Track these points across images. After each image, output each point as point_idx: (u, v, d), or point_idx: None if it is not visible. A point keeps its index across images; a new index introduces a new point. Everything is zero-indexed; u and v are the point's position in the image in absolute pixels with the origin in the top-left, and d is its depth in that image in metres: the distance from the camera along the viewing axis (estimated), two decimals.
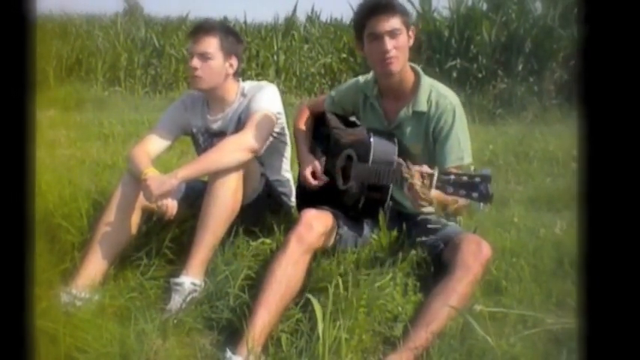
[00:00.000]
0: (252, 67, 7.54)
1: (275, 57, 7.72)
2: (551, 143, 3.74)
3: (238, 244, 1.97)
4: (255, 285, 1.74)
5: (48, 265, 1.84)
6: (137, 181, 1.89)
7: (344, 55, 7.54)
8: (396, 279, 1.73)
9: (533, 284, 1.76)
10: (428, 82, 1.85)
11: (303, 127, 2.14)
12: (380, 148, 1.77)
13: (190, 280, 1.80)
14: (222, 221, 1.86)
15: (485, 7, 6.54)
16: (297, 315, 1.64)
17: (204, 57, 2.01)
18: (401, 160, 1.49)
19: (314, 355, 1.43)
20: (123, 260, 1.95)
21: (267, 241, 2.03)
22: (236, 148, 1.89)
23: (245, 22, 8.59)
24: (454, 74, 6.16)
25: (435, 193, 1.42)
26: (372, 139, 1.78)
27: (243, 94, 2.11)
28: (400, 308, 1.65)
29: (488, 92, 5.78)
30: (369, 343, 1.58)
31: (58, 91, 6.28)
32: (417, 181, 1.41)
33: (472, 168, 1.50)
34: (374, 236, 1.88)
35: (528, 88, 5.68)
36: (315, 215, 1.75)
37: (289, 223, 2.04)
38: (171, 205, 1.85)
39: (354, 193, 1.83)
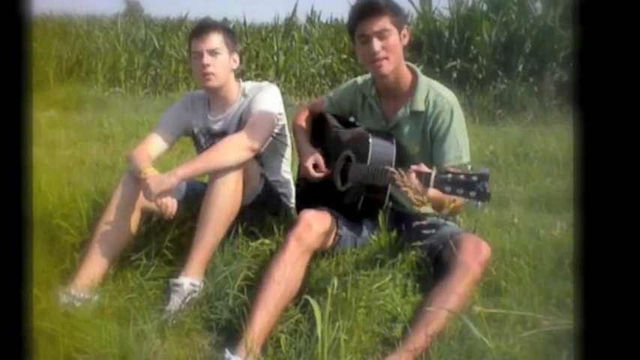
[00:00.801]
0: (251, 68, 7.53)
1: (275, 58, 7.72)
2: (551, 144, 3.74)
3: (238, 244, 1.97)
4: (255, 285, 1.74)
5: (47, 265, 1.84)
6: (137, 181, 1.89)
7: (344, 56, 7.53)
8: (395, 280, 1.73)
9: (532, 285, 1.76)
10: (425, 82, 1.85)
11: (302, 124, 2.14)
12: (378, 148, 1.77)
13: (189, 280, 1.80)
14: (221, 222, 1.86)
15: (485, 7, 6.54)
16: (296, 316, 1.64)
17: (214, 53, 2.02)
18: (393, 169, 1.49)
19: (313, 356, 1.43)
20: (122, 261, 1.95)
21: (267, 241, 2.02)
22: (236, 148, 1.89)
23: (245, 23, 8.59)
24: (454, 75, 6.16)
25: (432, 192, 1.43)
26: (370, 140, 1.78)
27: (244, 95, 2.11)
28: (399, 309, 1.65)
29: (489, 93, 5.78)
30: (368, 344, 1.58)
31: (58, 91, 6.29)
32: (409, 189, 1.40)
33: (470, 167, 1.49)
34: (373, 237, 1.88)
35: (528, 88, 5.68)
36: (314, 216, 1.74)
37: (289, 223, 2.03)
38: (170, 204, 1.85)
39: (353, 194, 1.83)
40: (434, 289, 1.61)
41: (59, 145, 3.96)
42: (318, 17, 9.33)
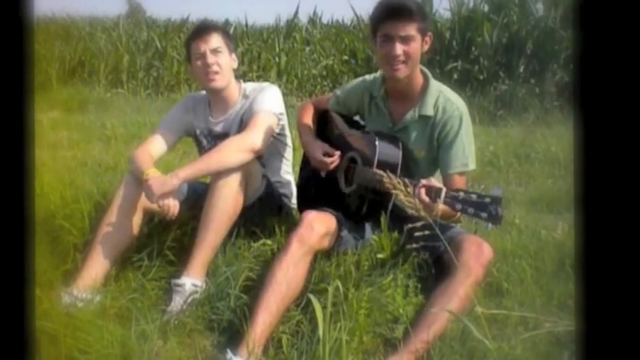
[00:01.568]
0: (253, 70, 7.53)
1: (276, 59, 7.72)
2: (552, 145, 3.73)
3: (239, 245, 1.97)
4: (256, 286, 1.74)
5: (49, 266, 1.85)
6: (139, 182, 1.89)
7: (345, 57, 7.53)
8: (397, 280, 1.73)
9: (534, 286, 1.76)
10: (436, 87, 1.84)
11: (307, 120, 2.11)
12: (384, 152, 1.76)
13: (191, 281, 1.80)
14: (223, 222, 1.86)
15: (486, 8, 6.54)
16: (298, 316, 1.65)
17: (216, 52, 2.03)
18: (381, 172, 1.45)
19: (315, 357, 1.43)
20: (124, 261, 1.95)
21: (269, 242, 2.03)
22: (238, 149, 1.89)
23: (246, 25, 8.60)
24: (455, 76, 6.15)
25: (441, 206, 1.42)
26: (377, 143, 1.76)
27: (245, 96, 2.12)
28: (401, 310, 1.65)
29: (490, 94, 5.77)
30: (370, 345, 1.58)
31: (60, 92, 6.29)
32: (399, 192, 1.39)
33: (482, 188, 1.49)
34: (374, 237, 1.88)
35: (529, 89, 5.67)
36: (316, 217, 1.74)
37: (290, 224, 2.04)
38: (172, 205, 1.85)
39: (358, 197, 1.82)
40: (436, 290, 1.61)
41: (61, 146, 3.96)
42: (320, 18, 9.36)
